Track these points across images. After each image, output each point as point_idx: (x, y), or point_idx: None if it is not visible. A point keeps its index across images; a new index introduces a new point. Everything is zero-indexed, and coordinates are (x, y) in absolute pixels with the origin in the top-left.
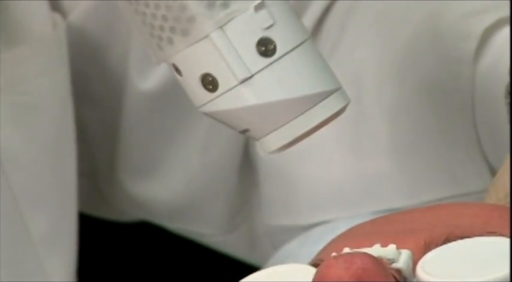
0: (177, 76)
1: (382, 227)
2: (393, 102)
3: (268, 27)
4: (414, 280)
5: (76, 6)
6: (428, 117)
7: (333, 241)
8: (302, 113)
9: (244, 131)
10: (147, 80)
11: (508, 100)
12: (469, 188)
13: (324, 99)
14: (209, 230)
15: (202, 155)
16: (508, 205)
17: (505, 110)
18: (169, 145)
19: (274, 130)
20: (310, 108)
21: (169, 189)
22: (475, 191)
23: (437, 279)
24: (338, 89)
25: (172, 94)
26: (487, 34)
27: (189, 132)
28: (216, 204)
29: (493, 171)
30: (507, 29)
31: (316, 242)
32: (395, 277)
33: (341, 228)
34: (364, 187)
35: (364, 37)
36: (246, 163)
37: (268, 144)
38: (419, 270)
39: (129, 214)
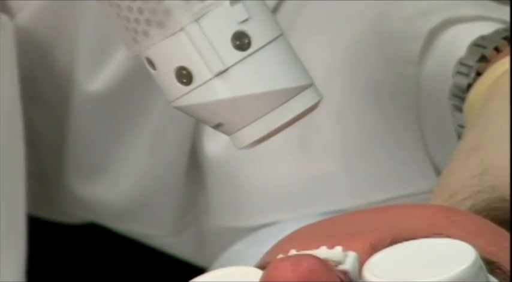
0: (151, 70)
1: (329, 229)
2: (341, 102)
3: (243, 21)
4: None
5: (23, 7)
6: (375, 118)
7: (280, 243)
8: (276, 107)
9: (218, 126)
10: (95, 81)
11: (453, 102)
12: (415, 188)
13: (298, 94)
14: (157, 231)
15: (150, 156)
16: (454, 206)
17: (450, 111)
18: (117, 146)
19: (248, 124)
20: (284, 103)
21: (117, 191)
22: (421, 192)
23: (384, 281)
24: (311, 84)
25: (120, 95)
26: (433, 35)
27: (137, 133)
28: (163, 206)
29: (438, 172)
30: (452, 30)
31: (264, 243)
32: (341, 279)
33: (288, 229)
34: (312, 188)
35: (312, 37)
36: (194, 164)
37: (241, 139)
38: (366, 272)
39: (77, 216)
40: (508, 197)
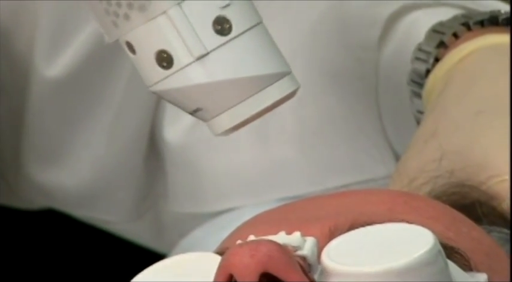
0: (130, 55)
1: (287, 215)
2: (299, 88)
3: (224, 7)
4: (319, 267)
5: None
6: (334, 104)
7: (238, 229)
8: (254, 94)
9: (196, 111)
10: (53, 67)
11: (412, 87)
12: (373, 174)
13: (276, 81)
14: (115, 217)
15: (109, 142)
16: (413, 191)
17: (408, 96)
18: (76, 132)
19: (227, 109)
20: (263, 89)
21: (75, 176)
22: (379, 177)
23: (343, 267)
24: (289, 72)
25: (78, 81)
26: (392, 21)
27: (96, 119)
28: (122, 192)
29: (397, 158)
30: (411, 15)
31: (222, 229)
32: (300, 264)
33: (247, 215)
34: (270, 174)
35: (269, 23)
36: (153, 150)
37: (219, 125)
38: (324, 258)
39: (35, 202)
40: (467, 181)
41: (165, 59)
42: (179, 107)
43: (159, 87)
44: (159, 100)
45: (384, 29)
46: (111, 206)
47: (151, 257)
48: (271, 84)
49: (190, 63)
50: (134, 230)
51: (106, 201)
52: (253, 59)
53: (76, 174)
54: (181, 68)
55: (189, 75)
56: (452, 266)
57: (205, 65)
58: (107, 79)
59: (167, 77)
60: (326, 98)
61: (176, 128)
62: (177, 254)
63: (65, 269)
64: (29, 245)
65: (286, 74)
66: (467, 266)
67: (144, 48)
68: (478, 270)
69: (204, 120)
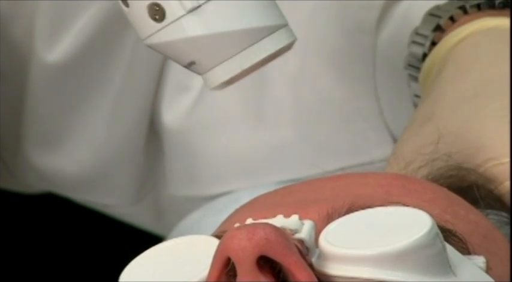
0: (124, 8)
1: (285, 198)
2: (296, 72)
3: None
4: (317, 250)
5: None
6: (331, 87)
7: (236, 212)
8: (249, 46)
9: (190, 64)
10: (53, 52)
11: (409, 71)
12: (371, 157)
13: (272, 33)
14: (115, 201)
15: (109, 126)
16: (410, 174)
17: (406, 80)
18: (76, 117)
19: (221, 62)
20: (257, 42)
21: (76, 161)
22: (377, 160)
23: (340, 250)
24: (285, 25)
25: (78, 66)
26: (389, 5)
27: (96, 103)
28: (122, 176)
29: (395, 141)
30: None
31: (220, 212)
32: (298, 247)
33: (244, 198)
34: (267, 157)
35: None
36: (152, 134)
37: (214, 78)
38: (322, 241)
39: (35, 186)
40: (464, 164)
41: (157, 12)
42: (174, 60)
43: (152, 41)
44: (158, 84)
45: (381, 13)
46: (111, 190)
47: (150, 239)
48: (266, 36)
49: (182, 16)
50: (134, 213)
51: (106, 185)
52: (247, 11)
53: (76, 159)
54: (174, 21)
55: (182, 28)
56: (450, 249)
57: (198, 17)
58: (106, 64)
59: (160, 30)
60: (323, 81)
61: (174, 111)
62: (174, 236)
63: (64, 252)
64: (29, 228)
65: (282, 26)
66: (464, 248)
67: (136, 1)
68: (476, 253)
69: (199, 73)
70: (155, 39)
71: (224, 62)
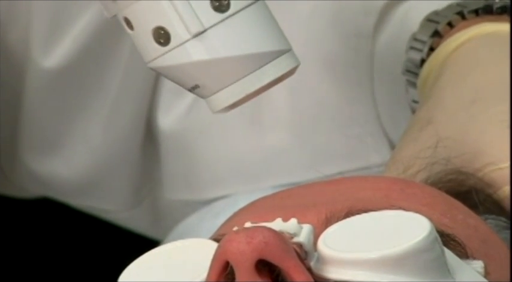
0: (128, 31)
1: (283, 201)
2: (293, 76)
3: None
4: (315, 254)
5: None
6: (328, 91)
7: (234, 215)
8: (253, 71)
9: (193, 88)
10: (50, 57)
11: (407, 77)
12: (368, 162)
13: (276, 58)
14: (112, 206)
15: (106, 131)
16: (408, 178)
17: (404, 86)
18: (72, 122)
19: (224, 87)
20: (261, 67)
21: (72, 166)
22: (374, 165)
23: (339, 254)
24: (289, 49)
25: (74, 71)
26: (386, 10)
27: (92, 108)
28: (119, 180)
29: (392, 146)
30: (406, 4)
31: (217, 216)
32: (296, 251)
33: (241, 202)
34: (265, 161)
35: None
36: (149, 138)
37: (216, 102)
38: (321, 245)
39: (31, 190)
40: (463, 169)
41: (162, 36)
42: (178, 83)
43: (156, 64)
44: (155, 88)
45: (379, 18)
46: (108, 195)
47: (146, 244)
48: (270, 61)
49: (187, 41)
50: (131, 218)
51: (103, 190)
52: (251, 37)
53: (73, 163)
54: (179, 45)
55: (186, 52)
56: (449, 254)
57: (202, 42)
58: (103, 69)
59: (164, 53)
60: (321, 86)
61: (170, 115)
62: (171, 240)
63: (60, 257)
64: (24, 234)
65: (285, 51)
66: (463, 253)
67: (141, 24)
68: (474, 258)
69: (203, 97)
70: (159, 63)
71: (228, 87)
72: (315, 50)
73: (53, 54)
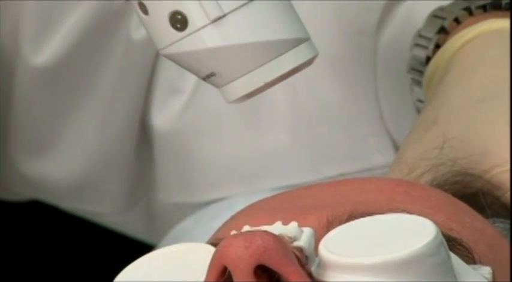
0: (142, 15)
1: (283, 204)
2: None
3: None
4: (317, 259)
5: None
6: (330, 91)
7: (232, 218)
8: (271, 59)
9: (209, 76)
10: (40, 55)
11: (412, 75)
12: (371, 163)
13: (294, 47)
14: (105, 209)
15: (99, 131)
16: (413, 180)
17: (408, 84)
18: (64, 122)
19: (241, 76)
20: (279, 55)
21: (65, 168)
22: (377, 166)
23: (341, 258)
24: (308, 38)
25: (66, 69)
26: (390, 6)
27: (85, 108)
28: (112, 182)
29: (396, 147)
30: (408, 1)
31: (213, 219)
32: (297, 256)
33: (239, 205)
34: (263, 162)
35: None
36: (143, 138)
37: (232, 91)
38: (322, 249)
39: (22, 193)
40: (470, 170)
41: (179, 21)
42: (192, 71)
43: (171, 50)
44: (149, 87)
45: (382, 14)
46: (101, 197)
47: (140, 248)
48: (289, 50)
49: (205, 26)
50: (125, 222)
51: (96, 192)
52: (271, 23)
53: (65, 165)
54: (196, 31)
55: (204, 38)
56: (455, 259)
57: (221, 27)
58: (95, 67)
59: (181, 39)
60: (322, 84)
61: (165, 114)
62: (166, 245)
63: (52, 262)
64: (15, 238)
65: (304, 40)
66: (470, 258)
67: (157, 8)
68: (482, 263)
69: (217, 86)
70: (174, 49)
71: (244, 76)
72: (316, 48)
73: (43, 52)
